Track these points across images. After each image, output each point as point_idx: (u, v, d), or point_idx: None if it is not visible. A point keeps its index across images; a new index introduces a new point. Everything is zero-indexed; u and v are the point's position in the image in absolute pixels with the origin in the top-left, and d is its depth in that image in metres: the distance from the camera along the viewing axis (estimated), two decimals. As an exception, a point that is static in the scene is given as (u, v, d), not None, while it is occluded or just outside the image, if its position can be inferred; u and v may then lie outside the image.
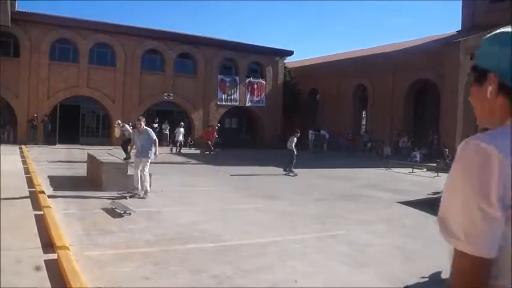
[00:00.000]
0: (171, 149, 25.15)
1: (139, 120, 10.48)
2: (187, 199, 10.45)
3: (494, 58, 1.25)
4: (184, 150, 24.82)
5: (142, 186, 10.06)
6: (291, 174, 16.29)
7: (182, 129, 25.60)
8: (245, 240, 6.95)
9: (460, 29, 31.68)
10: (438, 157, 22.56)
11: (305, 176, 16.40)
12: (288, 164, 16.64)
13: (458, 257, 1.10)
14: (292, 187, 13.46)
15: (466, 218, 1.09)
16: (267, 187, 13.23)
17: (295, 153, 16.72)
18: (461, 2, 32.79)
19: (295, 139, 17.34)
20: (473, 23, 30.44)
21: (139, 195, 9.99)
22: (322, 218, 8.98)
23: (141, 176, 10.05)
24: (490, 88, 1.24)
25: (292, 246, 6.78)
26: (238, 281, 5.16)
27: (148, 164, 10.13)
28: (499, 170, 1.07)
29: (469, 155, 1.13)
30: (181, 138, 25.20)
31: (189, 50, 30.42)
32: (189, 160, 20.87)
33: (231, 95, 31.63)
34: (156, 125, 27.19)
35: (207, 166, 18.40)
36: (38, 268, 5.03)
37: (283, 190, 12.74)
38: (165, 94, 29.36)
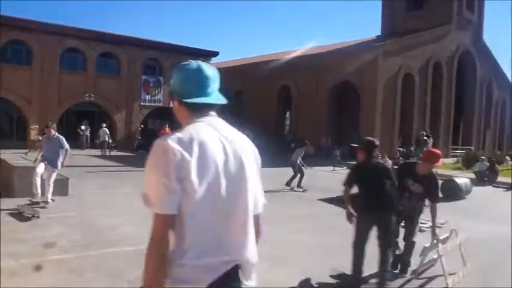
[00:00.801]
0: (102, 151, 23.87)
1: (47, 126, 9.63)
2: (106, 202, 10.11)
3: (174, 82, 2.04)
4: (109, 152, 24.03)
5: (43, 194, 9.12)
6: (301, 189, 13.70)
7: (106, 130, 24.67)
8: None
9: (380, 34, 33.21)
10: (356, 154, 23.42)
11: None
12: (291, 179, 14.00)
13: (155, 217, 1.70)
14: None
15: (156, 190, 1.70)
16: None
17: (304, 166, 14.44)
18: (381, 9, 34.43)
19: (304, 152, 14.60)
20: (391, 29, 32.02)
21: (39, 202, 9.05)
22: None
23: (43, 183, 9.18)
24: (174, 103, 2.04)
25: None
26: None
27: (54, 174, 9.32)
28: (174, 157, 1.68)
29: (156, 149, 1.74)
30: (106, 138, 24.22)
31: (112, 49, 29.51)
32: (113, 162, 20.27)
33: (155, 95, 31.07)
34: (83, 127, 26.31)
35: (131, 168, 17.94)
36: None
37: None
38: (86, 95, 28.29)
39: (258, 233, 2.10)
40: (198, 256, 1.71)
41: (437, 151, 5.91)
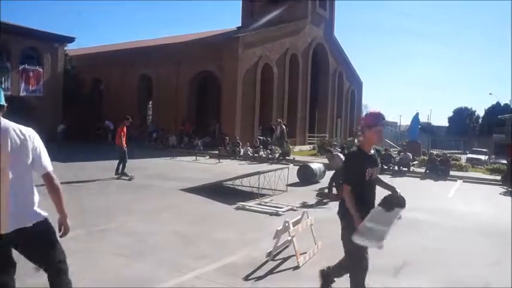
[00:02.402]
0: None
1: None
2: None
3: None
4: None
5: None
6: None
7: None
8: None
9: (240, 25, 33.85)
10: (220, 144, 23.72)
11: (83, 167, 15.67)
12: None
13: None
14: (67, 181, 12.61)
15: None
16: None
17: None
18: (241, 1, 35.13)
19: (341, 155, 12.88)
20: (251, 21, 32.82)
21: None
22: (101, 212, 8.59)
23: None
24: None
25: (65, 245, 6.29)
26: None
27: None
28: None
29: None
30: None
31: None
32: None
33: (2, 83, 28.16)
34: None
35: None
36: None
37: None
38: None
39: (50, 188, 3.16)
40: None
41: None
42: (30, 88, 29.28)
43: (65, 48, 32.40)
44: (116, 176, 13.35)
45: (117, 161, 13.70)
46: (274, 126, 25.74)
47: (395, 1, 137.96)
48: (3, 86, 27.96)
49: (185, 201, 10.23)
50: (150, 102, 35.31)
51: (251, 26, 30.66)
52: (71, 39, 32.02)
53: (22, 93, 28.84)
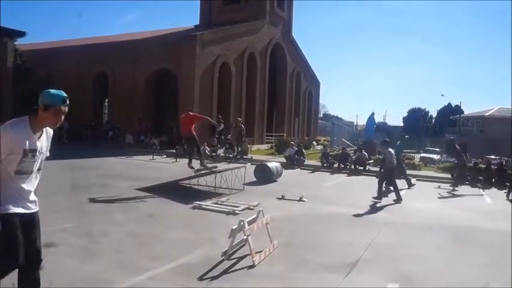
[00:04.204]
0: None
1: None
2: None
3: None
4: None
5: None
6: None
7: None
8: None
9: (198, 23, 33.64)
10: (177, 143, 23.48)
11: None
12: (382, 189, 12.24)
13: None
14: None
15: None
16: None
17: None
18: (199, 0, 34.93)
19: (393, 152, 12.65)
20: (209, 20, 32.67)
21: None
22: (53, 213, 8.32)
23: None
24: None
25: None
26: None
27: None
28: (8, 135, 2.99)
29: (2, 128, 2.91)
30: None
31: None
32: None
33: None
34: None
35: None
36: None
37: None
38: None
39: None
40: None
41: None
42: (-23, 83, 28.04)
43: (15, 43, 31.23)
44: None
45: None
46: (217, 123, 25.62)
47: (351, 0, 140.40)
48: None
49: (140, 201, 10.06)
50: (106, 100, 34.55)
51: (209, 25, 30.55)
52: (21, 33, 30.81)
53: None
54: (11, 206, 3.13)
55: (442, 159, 28.68)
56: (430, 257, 6.49)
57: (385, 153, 12.74)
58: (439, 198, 13.49)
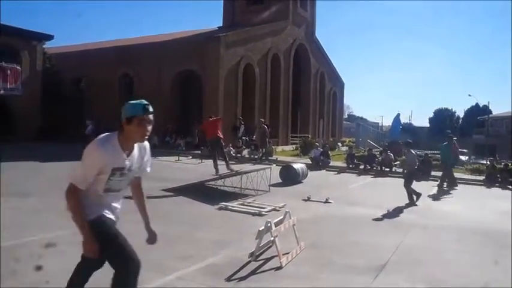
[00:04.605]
0: None
1: None
2: None
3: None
4: None
5: None
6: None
7: None
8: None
9: (221, 25, 33.80)
10: (202, 145, 23.61)
11: (63, 168, 15.43)
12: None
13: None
14: (47, 182, 12.45)
15: (82, 172, 2.96)
16: (17, 183, 11.98)
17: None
18: (222, 1, 35.09)
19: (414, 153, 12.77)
20: (232, 21, 32.80)
21: None
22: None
23: None
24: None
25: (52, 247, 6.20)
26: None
27: None
28: (98, 155, 2.94)
29: (90, 147, 2.95)
30: None
31: None
32: None
33: (-20, 81, 27.48)
34: None
35: None
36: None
37: (37, 186, 11.71)
38: None
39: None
40: None
41: None
42: (8, 86, 28.73)
43: (44, 46, 31.93)
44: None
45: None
46: (239, 124, 25.67)
47: (376, 0, 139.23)
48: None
49: (167, 201, 10.16)
50: (131, 102, 34.97)
51: (232, 26, 30.65)
52: (49, 37, 31.53)
53: (0, 92, 28.30)
54: (104, 212, 3.22)
55: (471, 161, 28.16)
56: (459, 261, 6.39)
57: (407, 154, 12.56)
58: (468, 199, 13.26)
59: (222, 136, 13.27)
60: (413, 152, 12.24)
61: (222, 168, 12.78)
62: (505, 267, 6.05)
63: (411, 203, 11.16)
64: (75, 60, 33.43)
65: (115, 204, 3.34)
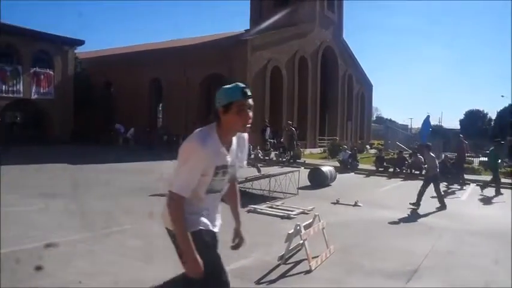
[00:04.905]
0: None
1: None
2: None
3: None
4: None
5: None
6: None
7: None
8: (22, 245, 6.23)
9: (249, 28, 33.87)
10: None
11: (95, 170, 15.86)
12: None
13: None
14: (79, 183, 12.69)
15: (185, 177, 2.55)
16: (50, 185, 12.23)
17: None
18: (249, 3, 35.17)
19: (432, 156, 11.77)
20: (259, 24, 32.84)
21: None
22: (111, 214, 8.61)
23: None
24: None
25: (78, 246, 6.32)
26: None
27: None
28: (201, 155, 2.48)
29: (189, 146, 2.56)
30: None
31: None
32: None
33: (14, 85, 28.30)
34: None
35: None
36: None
37: (69, 187, 11.93)
38: None
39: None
40: None
41: None
42: (42, 91, 29.54)
43: (75, 51, 32.65)
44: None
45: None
46: (265, 127, 25.66)
47: (404, 1, 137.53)
48: (14, 89, 28.16)
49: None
50: (160, 105, 35.42)
51: (259, 29, 30.68)
52: (80, 42, 32.27)
53: (34, 96, 29.14)
54: (206, 221, 2.80)
55: (504, 164, 27.44)
56: (491, 266, 6.23)
57: (426, 157, 12.17)
58: (500, 203, 12.93)
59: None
60: (432, 154, 11.93)
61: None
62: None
63: (442, 207, 10.94)
64: (105, 64, 34.08)
65: (215, 208, 2.94)
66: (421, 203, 10.80)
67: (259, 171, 13.39)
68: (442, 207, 10.93)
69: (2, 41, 27.48)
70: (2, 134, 23.73)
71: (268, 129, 25.56)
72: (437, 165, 11.89)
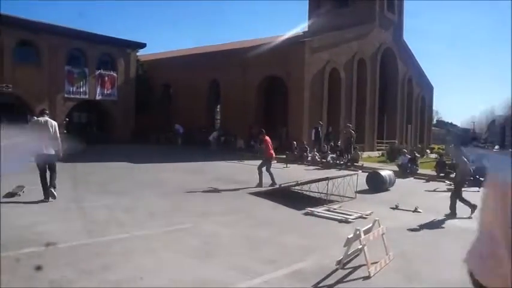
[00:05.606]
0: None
1: None
2: (25, 198, 9.54)
3: None
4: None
5: None
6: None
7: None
8: (87, 239, 6.54)
9: (307, 29, 33.75)
10: (287, 149, 23.72)
11: (155, 169, 16.30)
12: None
13: None
14: (140, 182, 13.13)
15: None
16: (113, 183, 12.73)
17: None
18: (307, 6, 35.04)
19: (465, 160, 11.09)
20: (318, 25, 32.65)
21: None
22: (170, 212, 8.87)
23: None
24: None
25: (138, 243, 6.56)
26: (80, 283, 4.83)
27: None
28: None
29: None
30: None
31: (30, 37, 27.67)
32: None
33: (80, 87, 29.67)
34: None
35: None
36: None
37: (130, 185, 12.37)
38: (4, 85, 26.48)
39: None
40: None
41: None
42: (106, 92, 30.79)
43: (137, 54, 33.77)
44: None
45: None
46: (318, 127, 25.40)
47: (466, 1, 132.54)
48: (81, 90, 29.50)
49: (253, 204, 10.33)
50: (218, 107, 35.95)
51: (317, 30, 30.49)
52: (142, 45, 33.35)
53: (98, 97, 30.38)
54: None
55: None
56: None
57: (458, 161, 11.44)
58: None
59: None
60: (465, 158, 11.33)
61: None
62: None
63: (452, 214, 10.38)
64: (164, 67, 35.04)
65: None
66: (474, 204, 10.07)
67: (274, 183, 13.27)
68: (452, 214, 10.40)
69: (70, 44, 28.88)
70: (70, 133, 24.80)
71: (321, 132, 25.43)
72: (470, 170, 11.32)
